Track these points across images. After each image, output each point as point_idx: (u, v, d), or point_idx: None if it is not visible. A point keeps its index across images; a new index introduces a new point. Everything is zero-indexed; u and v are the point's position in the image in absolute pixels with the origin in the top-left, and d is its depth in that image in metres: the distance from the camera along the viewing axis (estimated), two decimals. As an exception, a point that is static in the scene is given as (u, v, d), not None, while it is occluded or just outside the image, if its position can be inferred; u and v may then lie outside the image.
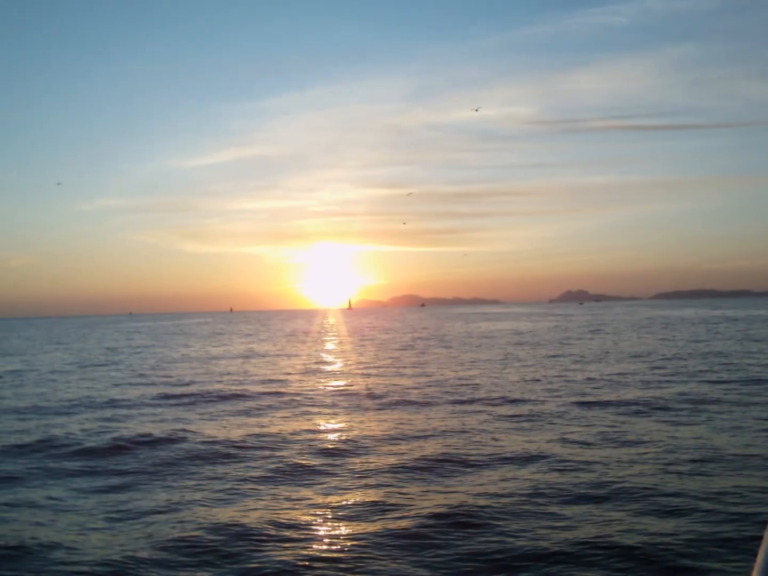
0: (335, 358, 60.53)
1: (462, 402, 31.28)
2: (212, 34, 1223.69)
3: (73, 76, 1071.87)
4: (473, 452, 21.05)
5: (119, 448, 22.80)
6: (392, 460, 20.37)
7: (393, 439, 23.27)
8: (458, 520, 14.74)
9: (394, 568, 12.37)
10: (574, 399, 31.12)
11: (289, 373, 46.89)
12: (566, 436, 23.18)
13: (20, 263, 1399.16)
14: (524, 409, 28.88)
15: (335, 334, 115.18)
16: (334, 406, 31.37)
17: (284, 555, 13.01)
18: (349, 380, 41.66)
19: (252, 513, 15.54)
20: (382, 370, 47.69)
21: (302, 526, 14.68)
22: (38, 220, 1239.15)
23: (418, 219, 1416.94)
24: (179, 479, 18.90)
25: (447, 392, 34.57)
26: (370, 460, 20.44)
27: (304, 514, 15.43)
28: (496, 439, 22.90)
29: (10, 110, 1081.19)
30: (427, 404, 30.85)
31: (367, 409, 29.99)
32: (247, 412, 29.99)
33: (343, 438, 23.73)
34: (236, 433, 24.72)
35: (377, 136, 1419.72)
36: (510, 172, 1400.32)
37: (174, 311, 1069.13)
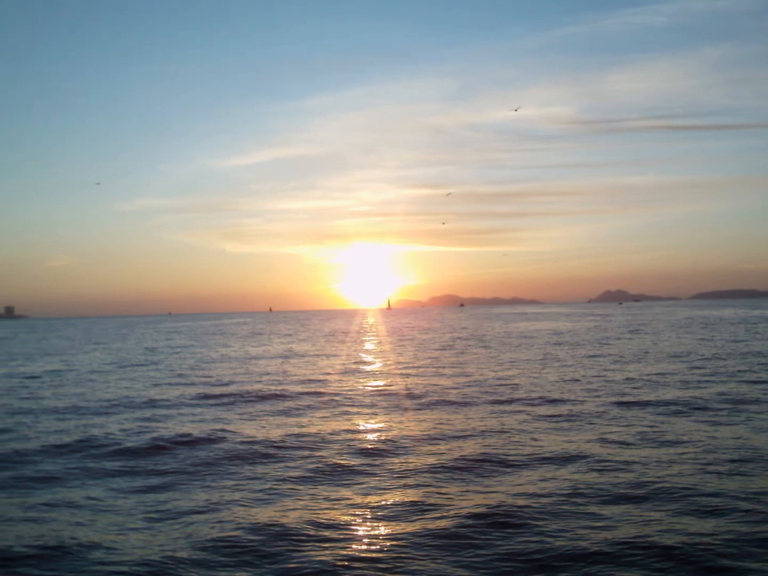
0: (374, 358, 60.52)
1: (501, 402, 31.21)
2: (251, 35, 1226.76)
3: (113, 77, 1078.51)
4: (512, 452, 20.99)
5: (158, 448, 22.92)
6: (431, 460, 20.36)
7: (432, 439, 23.25)
8: (497, 520, 14.71)
9: (433, 568, 12.37)
10: (613, 399, 30.95)
11: (328, 373, 46.95)
12: (605, 436, 23.06)
13: (59, 263, 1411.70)
14: (563, 409, 28.77)
15: (374, 334, 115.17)
16: (373, 406, 31.37)
17: (323, 555, 13.04)
18: (388, 380, 41.65)
19: (291, 513, 15.57)
20: (421, 370, 47.66)
21: (341, 526, 14.70)
22: (77, 220, 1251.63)
23: (457, 219, 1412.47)
24: (218, 479, 18.98)
25: (486, 392, 34.50)
26: (410, 460, 20.43)
27: (343, 514, 15.45)
28: (535, 439, 22.83)
29: (50, 111, 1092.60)
30: (466, 404, 30.80)
31: (406, 409, 29.98)
32: (286, 412, 30.07)
33: (382, 438, 23.73)
34: (275, 433, 24.78)
35: (416, 136, 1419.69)
36: (549, 172, 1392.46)
37: (213, 311, 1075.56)
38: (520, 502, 15.86)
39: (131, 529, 14.86)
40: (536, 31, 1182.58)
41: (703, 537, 13.36)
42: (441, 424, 26.00)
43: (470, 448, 21.73)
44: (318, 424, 26.85)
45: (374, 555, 13.03)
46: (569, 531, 13.96)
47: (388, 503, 16.23)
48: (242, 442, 23.37)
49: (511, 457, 20.35)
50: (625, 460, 19.65)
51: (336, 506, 16.10)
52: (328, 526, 14.67)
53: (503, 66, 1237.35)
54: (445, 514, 15.24)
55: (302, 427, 26.16)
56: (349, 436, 24.27)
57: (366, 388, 38.38)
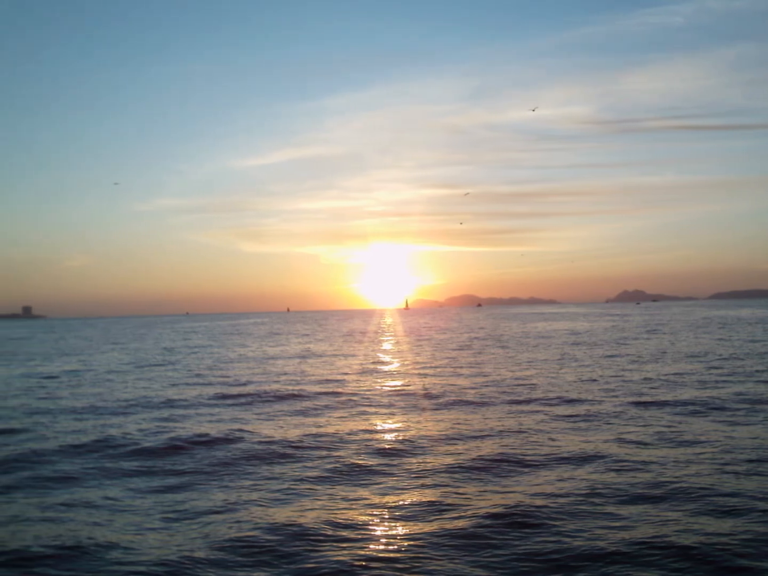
0: (392, 358, 60.49)
1: (519, 402, 31.19)
2: (269, 35, 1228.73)
3: (132, 77, 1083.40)
4: (530, 452, 20.99)
5: (176, 448, 22.99)
6: (449, 460, 20.37)
7: (450, 439, 23.26)
8: (515, 520, 14.72)
9: (451, 568, 12.38)
10: (631, 399, 30.90)
11: (346, 373, 46.95)
12: (623, 436, 23.04)
13: (77, 263, 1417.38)
14: (581, 409, 28.73)
15: (392, 334, 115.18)
16: (390, 406, 31.39)
17: (341, 555, 13.07)
18: (406, 380, 41.63)
19: (309, 513, 15.61)
20: (438, 370, 47.65)
21: (359, 526, 14.73)
22: (96, 220, 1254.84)
23: (475, 219, 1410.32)
24: (236, 479, 19.03)
25: (504, 392, 34.49)
26: (427, 460, 20.44)
27: (361, 514, 15.48)
28: (553, 439, 22.82)
29: (67, 110, 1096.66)
30: (483, 404, 30.79)
31: (423, 409, 29.99)
32: (304, 412, 30.12)
33: (400, 438, 23.75)
34: (293, 433, 24.83)
35: (434, 136, 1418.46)
36: (566, 172, 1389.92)
37: (231, 311, 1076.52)
38: (538, 502, 15.87)
39: (148, 529, 14.91)
40: (554, 30, 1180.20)
41: (721, 537, 13.35)
42: (458, 424, 26.00)
43: (488, 448, 21.74)
44: (336, 424, 26.89)
45: (392, 555, 13.06)
46: (587, 531, 13.96)
47: (406, 503, 16.25)
48: (260, 442, 23.43)
49: (528, 457, 20.35)
50: (642, 460, 19.63)
51: (354, 506, 16.13)
52: (346, 526, 14.71)
53: (521, 66, 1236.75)
54: (462, 514, 15.26)
55: (320, 427, 26.20)
56: (367, 436, 24.30)
57: (384, 388, 38.38)
